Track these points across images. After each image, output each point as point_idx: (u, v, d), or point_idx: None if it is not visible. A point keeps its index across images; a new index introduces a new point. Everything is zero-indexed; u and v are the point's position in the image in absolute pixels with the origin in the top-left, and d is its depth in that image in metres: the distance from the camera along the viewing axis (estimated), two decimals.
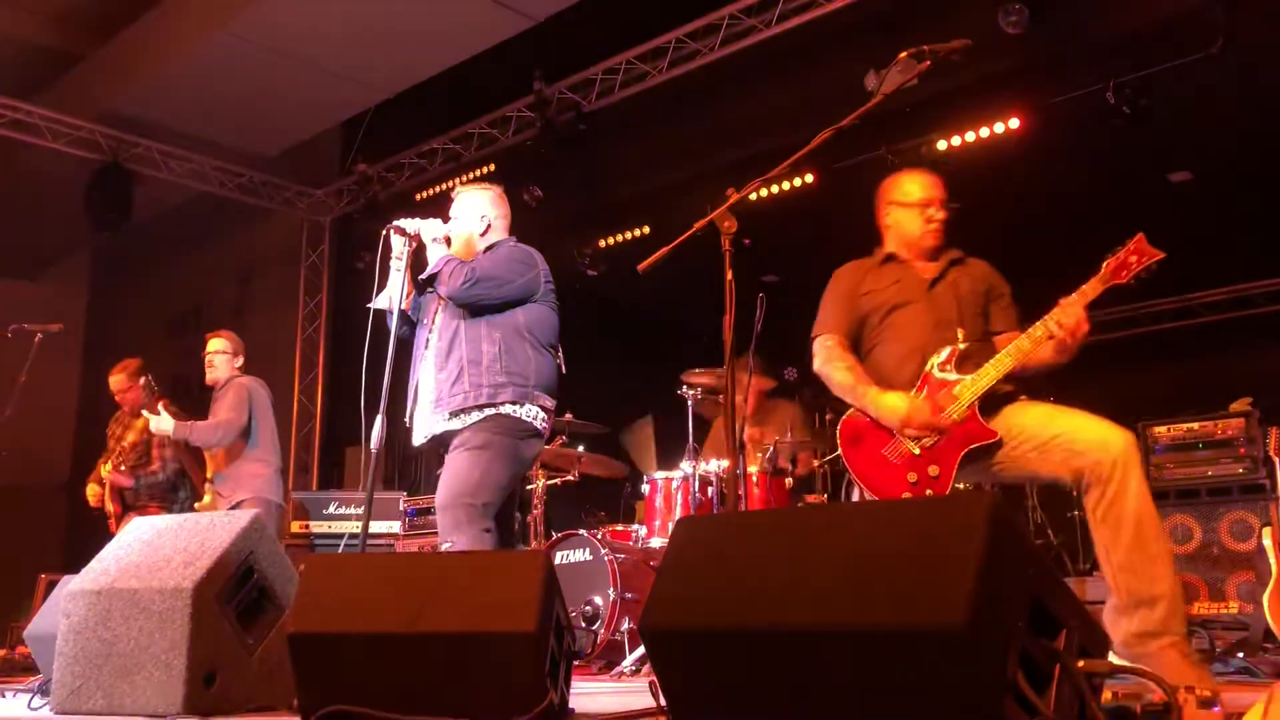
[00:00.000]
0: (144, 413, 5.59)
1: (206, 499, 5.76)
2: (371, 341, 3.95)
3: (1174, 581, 2.92)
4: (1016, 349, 3.27)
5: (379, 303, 4.18)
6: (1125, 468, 2.98)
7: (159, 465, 6.28)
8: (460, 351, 4.01)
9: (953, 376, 3.33)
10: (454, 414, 3.96)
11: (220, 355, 5.95)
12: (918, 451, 3.30)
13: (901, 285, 3.61)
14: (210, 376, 5.96)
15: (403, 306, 4.15)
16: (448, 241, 4.15)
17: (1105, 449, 3.02)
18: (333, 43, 7.75)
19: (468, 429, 3.94)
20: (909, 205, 3.69)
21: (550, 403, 4.09)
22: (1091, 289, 3.27)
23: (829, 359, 3.59)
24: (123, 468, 6.16)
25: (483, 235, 4.25)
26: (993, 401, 3.29)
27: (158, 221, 10.22)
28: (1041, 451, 3.19)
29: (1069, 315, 3.24)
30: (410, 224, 4.14)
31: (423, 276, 4.07)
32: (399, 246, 4.14)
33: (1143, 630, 2.89)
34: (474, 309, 4.04)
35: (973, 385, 3.27)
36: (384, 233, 4.14)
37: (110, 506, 6.14)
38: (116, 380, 6.40)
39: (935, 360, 3.38)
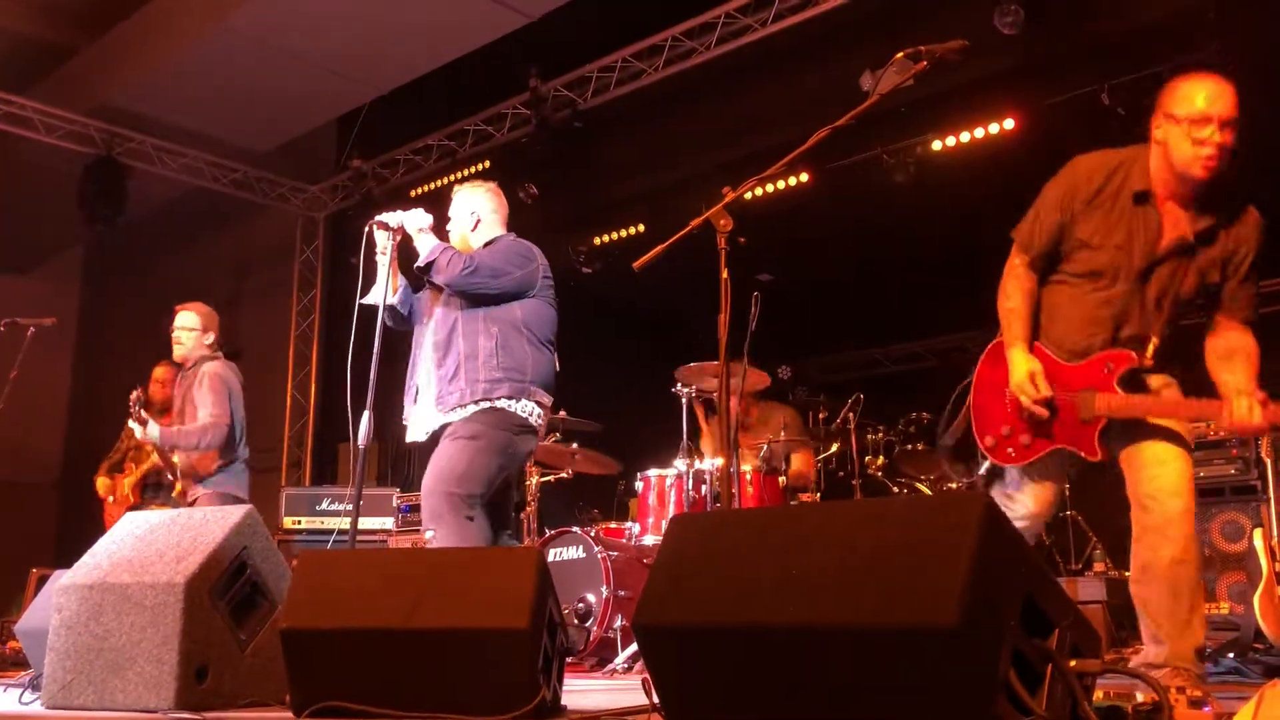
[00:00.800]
0: (130, 423, 5.30)
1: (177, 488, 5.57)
2: (359, 338, 3.94)
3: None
4: (1182, 411, 2.99)
5: (367, 299, 4.17)
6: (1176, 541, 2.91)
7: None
8: (457, 347, 4.00)
9: (1114, 382, 3.01)
10: (452, 409, 3.96)
11: (188, 332, 5.54)
12: (1024, 415, 3.09)
13: (1133, 239, 3.00)
14: (178, 353, 5.57)
15: (391, 301, 4.14)
16: (437, 228, 4.13)
17: (1167, 525, 2.92)
18: (328, 38, 7.73)
19: (470, 417, 3.93)
20: (1182, 120, 2.91)
21: (548, 399, 4.09)
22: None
23: (1006, 278, 3.24)
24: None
25: (473, 230, 4.24)
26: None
27: (151, 216, 10.19)
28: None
29: (1237, 425, 2.90)
30: (392, 217, 4.13)
31: (417, 265, 4.05)
32: (383, 241, 4.12)
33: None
34: (472, 303, 4.03)
35: (1115, 408, 2.99)
36: (366, 228, 4.13)
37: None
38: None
39: (1111, 355, 3.03)
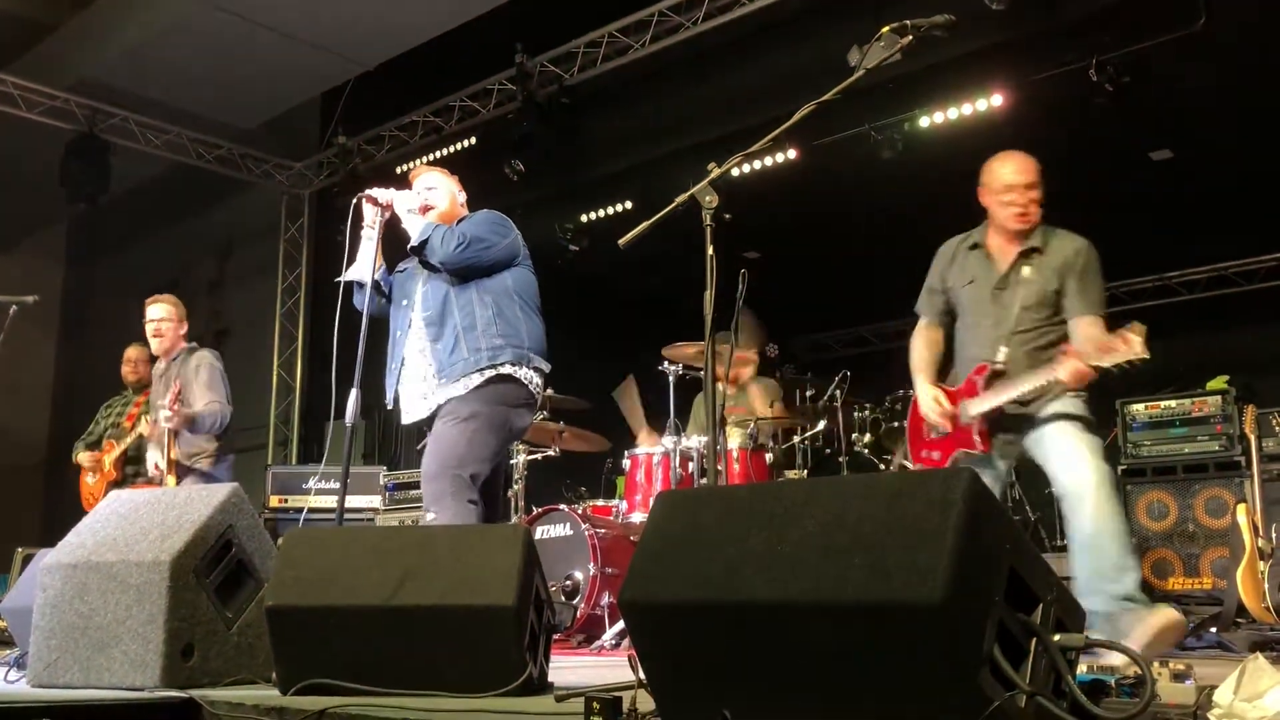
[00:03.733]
0: (162, 413, 5.36)
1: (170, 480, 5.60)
2: (343, 315, 3.92)
3: None
4: (1027, 382, 3.67)
5: (350, 275, 4.14)
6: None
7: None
8: (454, 319, 3.99)
9: (978, 389, 3.79)
10: (457, 380, 3.94)
11: (167, 323, 5.68)
12: (933, 435, 3.97)
13: (976, 283, 3.91)
14: (159, 346, 5.69)
15: (375, 278, 4.12)
16: (423, 212, 4.11)
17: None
18: (312, 14, 7.66)
19: (466, 396, 3.91)
20: (997, 191, 3.85)
21: (545, 366, 4.10)
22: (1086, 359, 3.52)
23: (915, 336, 4.18)
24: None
25: (448, 207, 4.22)
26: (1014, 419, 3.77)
27: (135, 193, 10.11)
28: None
29: (1067, 371, 3.56)
30: (383, 194, 4.11)
31: (411, 245, 4.03)
32: (370, 215, 4.10)
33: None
34: (463, 275, 4.02)
35: (976, 404, 3.77)
36: (355, 201, 4.10)
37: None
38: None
39: (976, 369, 3.82)
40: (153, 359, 5.93)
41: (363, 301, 4.05)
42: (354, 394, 3.82)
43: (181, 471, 5.44)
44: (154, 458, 5.58)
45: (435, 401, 4.00)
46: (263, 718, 2.27)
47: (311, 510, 7.30)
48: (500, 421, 3.94)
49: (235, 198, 10.39)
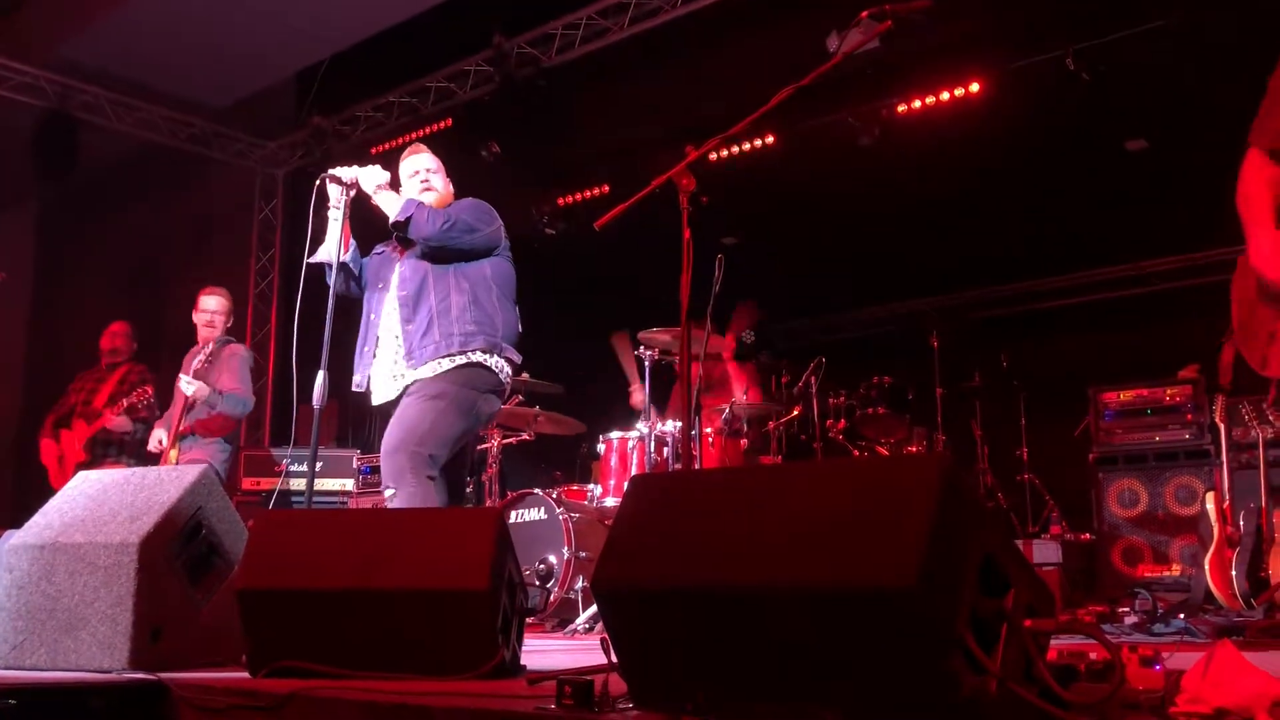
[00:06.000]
0: (182, 378, 5.48)
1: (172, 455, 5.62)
2: (306, 298, 3.87)
3: None
4: None
5: (318, 257, 4.10)
6: None
7: (132, 421, 6.16)
8: (429, 302, 3.98)
9: None
10: (426, 363, 3.93)
11: (220, 316, 5.95)
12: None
13: None
14: (207, 334, 5.90)
15: (344, 259, 4.08)
16: (393, 187, 4.08)
17: None
18: None
19: (435, 377, 3.90)
20: None
21: (517, 357, 4.11)
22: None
23: (1240, 179, 2.90)
24: (120, 415, 5.98)
25: (444, 187, 4.24)
26: None
27: (107, 171, 9.98)
28: None
29: None
30: (346, 172, 4.06)
31: (393, 221, 4.00)
32: (335, 196, 4.06)
33: None
34: (442, 259, 4.00)
35: None
36: (318, 182, 4.06)
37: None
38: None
39: None
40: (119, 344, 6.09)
41: (332, 280, 4.01)
42: (321, 376, 3.78)
43: (183, 441, 5.51)
44: (159, 433, 5.62)
45: (403, 383, 3.98)
46: (232, 700, 2.25)
47: (284, 493, 7.26)
48: (468, 405, 3.93)
49: (208, 177, 10.27)
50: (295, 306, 3.80)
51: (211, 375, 5.63)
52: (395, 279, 4.09)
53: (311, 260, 4.09)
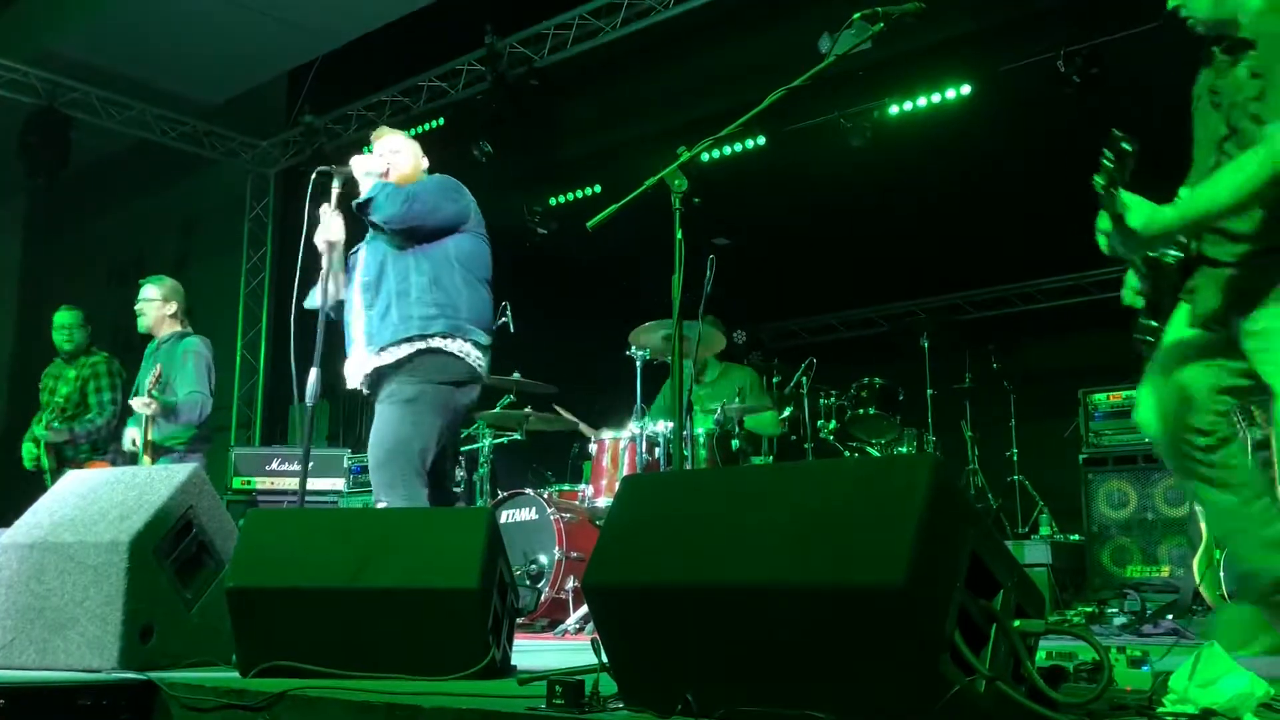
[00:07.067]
0: (140, 399, 5.38)
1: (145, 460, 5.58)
2: (304, 295, 3.87)
3: None
4: None
5: (309, 302, 4.10)
6: None
7: (98, 410, 6.13)
8: (389, 285, 3.88)
9: None
10: (384, 348, 3.84)
11: (148, 303, 5.72)
12: None
13: None
14: (142, 325, 5.76)
15: (329, 313, 4.04)
16: (384, 176, 4.05)
17: None
18: None
19: (401, 369, 3.81)
20: None
21: (485, 339, 3.96)
22: None
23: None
24: (56, 425, 5.98)
25: (409, 170, 4.13)
26: None
27: (97, 168, 9.96)
28: None
29: None
30: (341, 169, 4.03)
31: (356, 202, 3.92)
32: (336, 186, 4.01)
33: None
34: (402, 240, 3.92)
35: None
36: (315, 176, 4.04)
37: (49, 463, 5.95)
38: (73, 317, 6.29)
39: None
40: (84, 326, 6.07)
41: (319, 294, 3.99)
42: (314, 374, 3.77)
43: (156, 453, 5.44)
44: (132, 433, 5.57)
45: (366, 369, 3.89)
46: (222, 700, 2.25)
47: (275, 492, 7.25)
48: (443, 401, 3.83)
49: (200, 175, 10.26)
50: (287, 306, 3.80)
51: (168, 375, 5.50)
52: (359, 264, 4.04)
53: (306, 305, 4.09)
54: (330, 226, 4.04)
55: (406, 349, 3.82)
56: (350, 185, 4.01)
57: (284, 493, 7.23)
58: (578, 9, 7.54)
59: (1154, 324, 2.98)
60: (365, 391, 3.97)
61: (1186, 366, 2.88)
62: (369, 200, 3.87)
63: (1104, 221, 2.78)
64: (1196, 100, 2.95)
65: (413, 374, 3.82)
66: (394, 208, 3.83)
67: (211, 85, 9.05)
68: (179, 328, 5.75)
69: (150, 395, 5.28)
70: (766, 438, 6.71)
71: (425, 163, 4.24)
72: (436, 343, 3.83)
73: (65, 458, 6.04)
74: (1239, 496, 2.83)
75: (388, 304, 3.87)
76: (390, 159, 4.07)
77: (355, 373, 3.94)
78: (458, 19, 7.86)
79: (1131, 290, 3.13)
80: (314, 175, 4.05)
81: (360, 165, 3.99)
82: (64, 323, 6.41)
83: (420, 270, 3.88)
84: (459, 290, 3.90)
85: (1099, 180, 2.70)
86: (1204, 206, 2.66)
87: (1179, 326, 2.92)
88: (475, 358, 3.91)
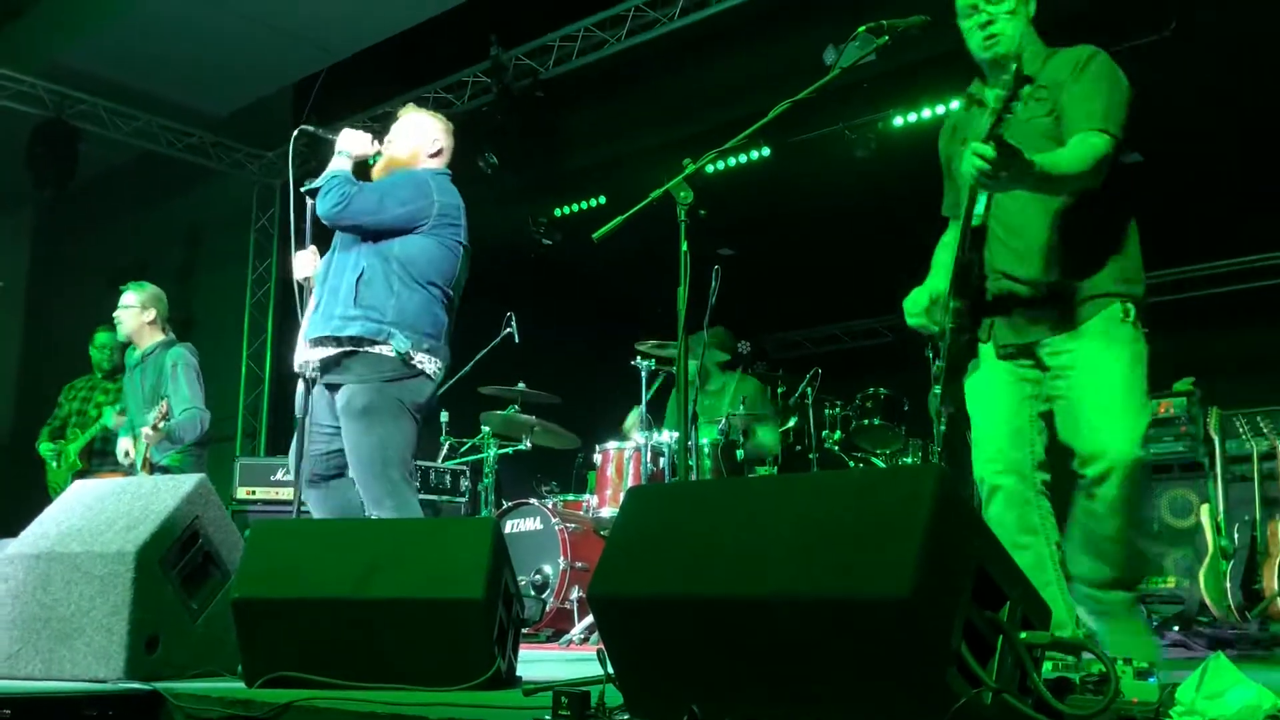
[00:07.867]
0: (145, 431, 5.29)
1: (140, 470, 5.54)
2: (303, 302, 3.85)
3: None
4: None
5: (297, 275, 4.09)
6: None
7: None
8: (330, 281, 3.81)
9: None
10: (316, 343, 3.74)
11: (127, 310, 5.58)
12: None
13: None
14: (121, 332, 5.63)
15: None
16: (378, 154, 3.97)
17: None
18: (286, 1, 7.59)
19: (332, 371, 3.71)
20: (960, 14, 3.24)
21: (407, 344, 3.70)
22: None
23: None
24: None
25: (434, 156, 4.05)
26: None
27: (104, 179, 9.99)
28: None
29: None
30: (329, 134, 4.00)
31: (305, 189, 3.84)
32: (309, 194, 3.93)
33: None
34: (353, 235, 3.83)
35: None
36: (294, 134, 4.04)
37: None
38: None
39: None
40: (124, 346, 5.86)
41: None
42: (301, 386, 3.74)
43: (153, 468, 5.41)
44: (125, 445, 5.53)
45: (301, 359, 3.79)
46: (228, 710, 2.25)
47: (280, 503, 7.25)
48: (395, 408, 3.67)
49: (206, 186, 10.28)
50: (293, 316, 3.79)
51: (159, 389, 5.41)
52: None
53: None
54: (302, 265, 4.03)
55: (333, 349, 3.70)
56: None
57: (289, 503, 7.20)
58: (583, 21, 7.56)
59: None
60: (311, 375, 3.80)
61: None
62: (316, 188, 3.80)
63: (983, 146, 2.66)
64: None
65: (346, 376, 3.70)
66: (326, 205, 3.72)
67: (218, 97, 9.08)
68: (161, 335, 5.61)
69: (156, 429, 5.17)
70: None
71: (436, 151, 4.06)
72: (354, 345, 3.69)
73: (87, 468, 6.02)
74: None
75: (320, 299, 3.81)
76: (389, 143, 4.01)
77: (298, 360, 3.83)
78: (463, 31, 7.89)
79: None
80: (294, 133, 4.02)
81: (345, 140, 3.92)
82: (105, 343, 6.42)
83: (355, 268, 3.75)
84: (391, 292, 3.72)
85: (999, 95, 2.75)
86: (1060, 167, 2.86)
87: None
88: (405, 351, 3.70)
